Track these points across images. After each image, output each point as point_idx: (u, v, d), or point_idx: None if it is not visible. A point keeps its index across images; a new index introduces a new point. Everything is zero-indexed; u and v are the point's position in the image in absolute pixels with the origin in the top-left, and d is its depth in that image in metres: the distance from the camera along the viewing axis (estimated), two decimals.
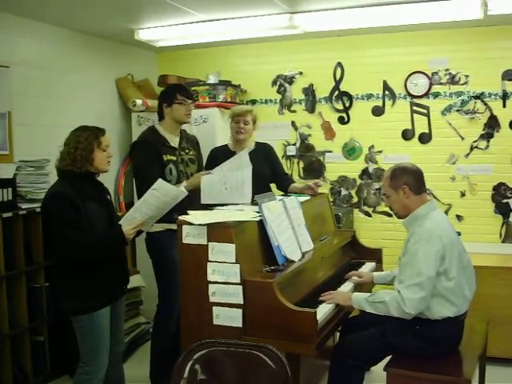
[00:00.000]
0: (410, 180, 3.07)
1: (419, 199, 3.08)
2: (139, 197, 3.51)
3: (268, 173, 4.16)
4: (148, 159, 3.62)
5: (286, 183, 4.24)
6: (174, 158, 3.72)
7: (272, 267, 2.97)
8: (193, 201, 3.53)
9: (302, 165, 5.56)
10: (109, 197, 3.26)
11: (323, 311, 2.91)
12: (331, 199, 5.29)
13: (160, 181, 3.00)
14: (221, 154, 4.01)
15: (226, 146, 4.25)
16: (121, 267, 3.22)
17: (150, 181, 3.22)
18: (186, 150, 3.86)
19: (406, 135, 5.18)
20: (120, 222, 3.01)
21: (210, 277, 2.84)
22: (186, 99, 3.75)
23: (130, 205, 4.65)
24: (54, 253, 3.12)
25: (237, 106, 4.44)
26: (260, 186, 3.84)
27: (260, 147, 4.24)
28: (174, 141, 3.80)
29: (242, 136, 4.09)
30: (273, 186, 4.29)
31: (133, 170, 3.83)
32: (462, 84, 4.97)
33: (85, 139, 2.99)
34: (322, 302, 3.05)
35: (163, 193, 2.99)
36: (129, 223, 2.99)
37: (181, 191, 3.12)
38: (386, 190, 3.13)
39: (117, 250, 3.09)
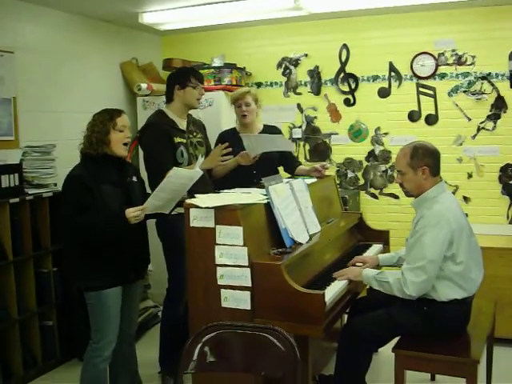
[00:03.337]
0: (431, 161, 3.04)
1: (434, 181, 3.07)
2: (150, 180, 3.53)
3: (276, 156, 4.11)
4: (159, 142, 3.58)
5: (293, 165, 4.25)
6: (183, 140, 3.69)
7: (280, 250, 2.97)
8: (206, 184, 3.54)
9: (308, 147, 5.54)
10: (135, 178, 3.25)
11: (331, 293, 2.92)
12: (337, 181, 5.27)
13: (174, 169, 3.01)
14: (229, 137, 4.00)
15: (234, 128, 4.24)
16: (138, 250, 3.22)
17: (162, 164, 3.19)
18: (194, 133, 3.84)
19: (413, 117, 5.15)
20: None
21: (218, 260, 2.85)
22: (199, 83, 3.74)
23: None
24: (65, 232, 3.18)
25: (235, 91, 4.40)
26: (268, 168, 3.83)
27: (269, 130, 4.21)
28: (182, 124, 3.77)
29: (247, 119, 4.09)
30: (280, 168, 4.28)
31: (144, 154, 3.77)
32: (469, 65, 4.92)
33: (100, 122, 3.05)
34: (330, 283, 3.06)
35: (179, 177, 3.01)
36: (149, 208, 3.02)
37: (195, 172, 3.12)
38: (404, 167, 3.06)
39: (119, 233, 3.00)
